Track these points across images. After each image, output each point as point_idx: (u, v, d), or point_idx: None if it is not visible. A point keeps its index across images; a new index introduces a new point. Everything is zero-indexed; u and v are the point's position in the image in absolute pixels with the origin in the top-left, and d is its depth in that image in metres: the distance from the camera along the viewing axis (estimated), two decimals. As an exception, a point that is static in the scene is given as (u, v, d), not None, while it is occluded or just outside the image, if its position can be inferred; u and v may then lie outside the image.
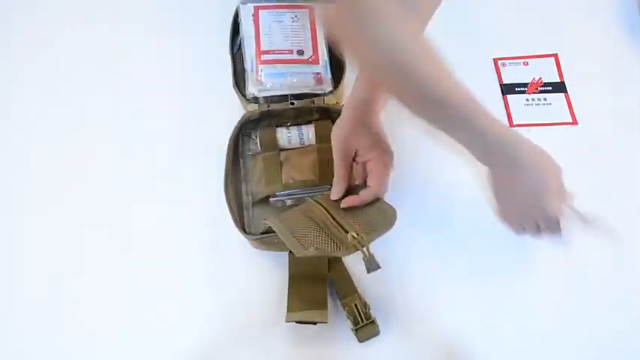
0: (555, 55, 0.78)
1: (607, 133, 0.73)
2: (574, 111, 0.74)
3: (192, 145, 0.72)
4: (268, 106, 0.69)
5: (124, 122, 0.73)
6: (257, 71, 0.70)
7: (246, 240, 0.62)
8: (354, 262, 0.64)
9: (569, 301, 0.63)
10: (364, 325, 0.60)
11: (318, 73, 0.71)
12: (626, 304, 0.63)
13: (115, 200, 0.68)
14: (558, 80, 0.76)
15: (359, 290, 0.62)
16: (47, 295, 0.63)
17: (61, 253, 0.65)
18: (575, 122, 0.74)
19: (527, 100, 0.75)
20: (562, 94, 0.76)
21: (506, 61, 0.78)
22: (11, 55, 0.78)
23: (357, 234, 0.53)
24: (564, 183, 0.56)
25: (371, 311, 0.60)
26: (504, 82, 0.77)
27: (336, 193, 0.60)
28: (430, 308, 0.63)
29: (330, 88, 0.71)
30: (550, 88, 0.76)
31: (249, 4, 0.75)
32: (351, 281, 0.63)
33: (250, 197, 0.67)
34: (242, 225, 0.64)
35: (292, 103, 0.69)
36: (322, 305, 0.60)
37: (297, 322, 0.59)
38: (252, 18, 0.74)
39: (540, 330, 0.62)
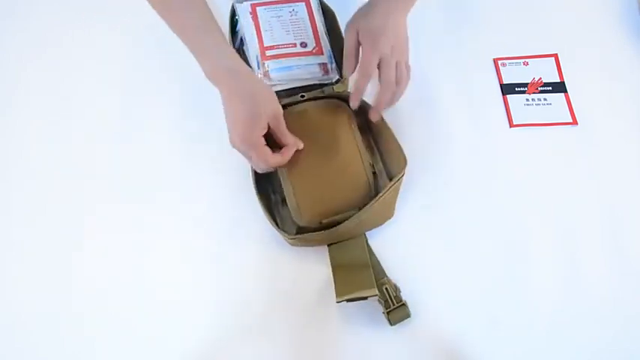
0: (555, 55, 0.78)
1: (607, 133, 0.73)
2: (574, 111, 0.74)
3: (202, 146, 0.70)
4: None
5: (130, 124, 0.72)
6: (264, 67, 0.70)
7: (282, 238, 0.62)
8: (380, 248, 0.64)
9: (569, 301, 0.63)
10: (395, 308, 0.60)
11: (324, 64, 0.71)
12: (626, 304, 0.63)
13: (128, 198, 0.68)
14: (558, 80, 0.76)
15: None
16: (50, 291, 0.62)
17: (67, 248, 0.65)
18: (575, 122, 0.73)
19: (527, 100, 0.75)
20: (562, 94, 0.75)
21: (506, 61, 0.78)
22: (12, 55, 0.77)
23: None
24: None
25: (401, 294, 0.61)
26: (504, 82, 0.76)
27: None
28: (437, 305, 0.63)
29: (338, 77, 0.71)
30: (550, 88, 0.76)
31: (245, 3, 0.74)
32: (381, 266, 0.63)
33: (278, 196, 0.66)
34: (276, 224, 0.62)
35: (303, 96, 0.69)
36: (371, 285, 0.59)
37: (347, 300, 0.58)
38: (250, 16, 0.73)
39: (546, 325, 0.62)
